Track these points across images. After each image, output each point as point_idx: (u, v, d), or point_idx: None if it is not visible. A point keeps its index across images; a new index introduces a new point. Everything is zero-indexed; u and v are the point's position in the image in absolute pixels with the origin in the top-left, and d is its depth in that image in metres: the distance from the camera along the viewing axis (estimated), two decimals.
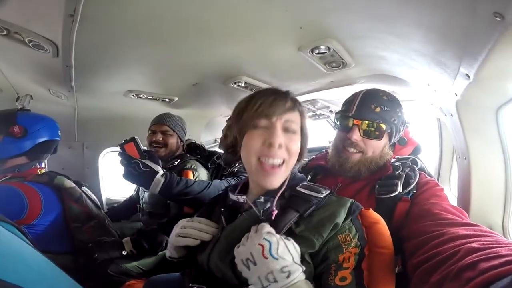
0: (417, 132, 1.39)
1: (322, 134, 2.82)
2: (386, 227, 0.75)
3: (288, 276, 0.59)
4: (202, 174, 1.72)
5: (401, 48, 1.13)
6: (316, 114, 2.44)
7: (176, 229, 0.86)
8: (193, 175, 1.64)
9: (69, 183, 1.50)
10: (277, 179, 0.77)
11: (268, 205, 0.73)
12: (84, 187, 1.64)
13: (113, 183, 2.75)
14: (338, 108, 1.16)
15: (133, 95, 1.95)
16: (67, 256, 1.41)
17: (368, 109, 1.02)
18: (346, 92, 1.25)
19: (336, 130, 1.15)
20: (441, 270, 0.58)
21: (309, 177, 1.13)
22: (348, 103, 1.09)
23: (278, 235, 0.65)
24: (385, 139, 1.06)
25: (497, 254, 0.52)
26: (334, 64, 1.39)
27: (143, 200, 1.86)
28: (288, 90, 0.84)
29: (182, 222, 0.88)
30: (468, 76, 0.98)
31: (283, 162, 0.77)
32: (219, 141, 2.57)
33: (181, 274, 0.87)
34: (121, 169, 1.28)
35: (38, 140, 1.44)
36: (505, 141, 1.16)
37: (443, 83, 1.17)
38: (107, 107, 2.21)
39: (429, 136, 2.07)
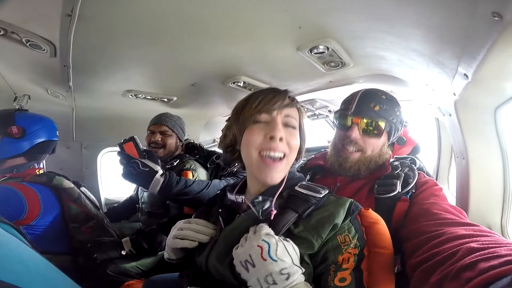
0: (415, 132, 1.40)
1: (321, 134, 2.82)
2: (386, 227, 0.74)
3: (287, 278, 0.59)
4: (201, 174, 1.71)
5: (400, 48, 1.13)
6: (315, 113, 2.44)
7: (174, 231, 0.86)
8: (193, 176, 1.64)
9: (68, 183, 1.50)
10: (278, 173, 0.77)
11: (267, 205, 0.73)
12: (83, 188, 1.64)
13: (112, 183, 2.74)
14: (337, 108, 1.16)
15: (132, 95, 1.94)
16: (66, 256, 1.40)
17: (367, 108, 1.03)
18: (345, 92, 1.25)
19: (335, 129, 1.15)
20: (440, 270, 0.58)
21: (307, 177, 1.13)
22: (347, 102, 1.09)
23: (277, 237, 0.64)
24: (384, 138, 1.06)
25: (496, 254, 0.52)
26: (333, 64, 1.39)
27: (142, 200, 1.86)
28: (287, 89, 0.85)
29: (180, 223, 0.87)
30: (467, 76, 0.98)
31: (284, 156, 0.77)
32: (218, 141, 2.58)
33: (179, 276, 0.87)
34: (120, 169, 1.28)
35: (37, 141, 1.44)
36: (503, 141, 1.17)
37: (442, 83, 1.17)
38: (105, 107, 2.20)
39: (428, 136, 2.07)
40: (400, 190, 0.95)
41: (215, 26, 1.12)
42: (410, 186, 0.96)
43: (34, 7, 0.96)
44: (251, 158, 0.77)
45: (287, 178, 0.81)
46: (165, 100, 2.08)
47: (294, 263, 0.61)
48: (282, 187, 0.79)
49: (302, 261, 0.66)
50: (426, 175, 1.04)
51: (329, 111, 2.37)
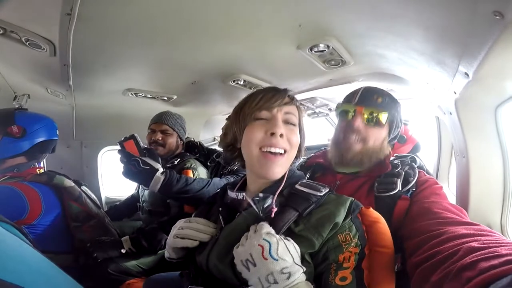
0: (416, 130, 1.40)
1: (321, 132, 2.82)
2: (386, 226, 0.74)
3: (288, 277, 0.59)
4: (201, 172, 1.71)
5: (401, 46, 1.13)
6: (315, 112, 2.44)
7: (174, 230, 0.86)
8: (193, 174, 1.64)
9: (69, 182, 1.50)
10: (279, 168, 0.78)
11: (268, 202, 0.73)
12: (84, 186, 1.64)
13: (112, 182, 2.74)
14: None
15: (132, 94, 1.93)
16: (67, 255, 1.41)
17: (370, 99, 1.05)
18: (345, 90, 1.25)
19: (336, 123, 1.15)
20: (441, 269, 0.58)
21: (307, 175, 1.14)
22: (350, 94, 1.11)
23: (277, 236, 0.64)
24: (385, 131, 1.07)
25: (497, 253, 0.52)
26: (333, 62, 1.39)
27: (143, 199, 1.86)
28: (286, 88, 0.86)
29: (180, 222, 0.87)
30: (467, 75, 0.98)
31: (285, 152, 0.78)
32: (219, 139, 2.58)
33: (180, 275, 0.87)
34: (120, 167, 1.28)
35: (37, 140, 1.44)
36: (504, 140, 1.16)
37: (442, 82, 1.17)
38: (105, 106, 2.20)
39: (428, 134, 2.07)
40: (400, 189, 0.95)
41: (215, 25, 1.11)
42: (411, 185, 0.96)
43: (33, 6, 0.96)
44: (252, 154, 0.78)
45: (287, 176, 0.81)
46: (165, 98, 2.07)
47: (295, 262, 0.61)
48: (282, 184, 0.79)
49: (303, 260, 0.67)
50: (426, 174, 1.04)
51: (329, 109, 2.37)
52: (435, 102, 1.45)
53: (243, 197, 0.83)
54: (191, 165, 1.68)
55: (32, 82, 1.66)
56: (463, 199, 1.25)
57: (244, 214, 0.80)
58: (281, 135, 0.76)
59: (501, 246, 0.55)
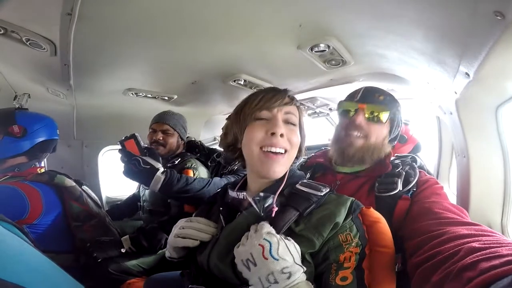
0: (416, 130, 1.40)
1: (321, 132, 2.82)
2: (387, 226, 0.74)
3: (289, 277, 0.59)
4: (202, 172, 1.71)
5: (401, 46, 1.13)
6: (315, 112, 2.44)
7: (175, 230, 0.86)
8: (194, 174, 1.64)
9: (70, 182, 1.49)
10: (280, 167, 0.78)
11: (268, 201, 0.73)
12: (84, 186, 1.64)
13: (113, 182, 2.74)
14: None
15: (132, 93, 1.93)
16: (68, 255, 1.41)
17: (372, 97, 1.06)
18: (345, 90, 1.25)
19: (338, 121, 1.15)
20: (441, 269, 0.58)
21: (308, 175, 1.14)
22: (352, 93, 1.12)
23: (278, 235, 0.65)
24: (386, 128, 1.07)
25: (497, 254, 0.52)
26: (333, 62, 1.39)
27: (144, 198, 1.86)
28: (286, 88, 0.86)
29: (181, 222, 0.87)
30: (468, 75, 0.98)
31: (285, 152, 0.78)
32: (219, 139, 2.59)
33: (180, 275, 0.87)
34: (121, 167, 1.28)
35: (38, 140, 1.44)
36: (504, 140, 1.16)
37: (443, 82, 1.17)
38: (106, 106, 2.20)
39: (428, 134, 2.07)
40: (401, 189, 0.94)
41: (216, 25, 1.11)
42: (411, 185, 0.95)
43: (34, 6, 0.96)
44: (252, 154, 0.78)
45: (288, 176, 0.81)
46: (166, 98, 2.07)
47: (295, 262, 0.61)
48: (283, 184, 0.79)
49: (303, 260, 0.67)
50: (427, 174, 1.04)
51: (330, 109, 2.37)
52: (435, 102, 1.45)
53: (243, 197, 0.83)
54: (191, 165, 1.68)
55: (33, 81, 1.66)
56: (464, 199, 1.25)
57: (244, 214, 0.80)
58: (281, 135, 0.77)
59: (502, 246, 0.55)
